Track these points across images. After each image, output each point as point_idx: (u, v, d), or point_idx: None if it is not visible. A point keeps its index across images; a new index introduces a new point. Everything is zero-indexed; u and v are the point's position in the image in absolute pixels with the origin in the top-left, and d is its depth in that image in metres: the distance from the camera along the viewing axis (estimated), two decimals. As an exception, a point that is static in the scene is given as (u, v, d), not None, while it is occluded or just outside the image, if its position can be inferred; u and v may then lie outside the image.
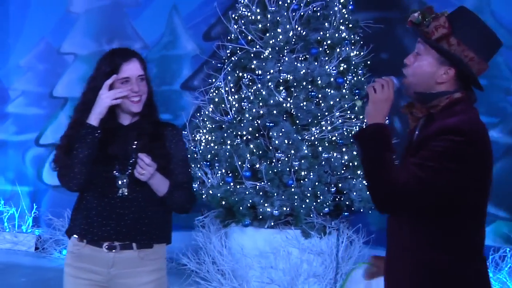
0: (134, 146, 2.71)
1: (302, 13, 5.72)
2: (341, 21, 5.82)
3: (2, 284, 6.16)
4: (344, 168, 5.59)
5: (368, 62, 6.03)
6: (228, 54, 5.97)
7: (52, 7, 7.69)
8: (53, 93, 7.78)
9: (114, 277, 2.69)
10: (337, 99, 5.64)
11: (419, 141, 2.21)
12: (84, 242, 2.70)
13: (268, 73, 5.61)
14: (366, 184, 2.25)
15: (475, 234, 2.22)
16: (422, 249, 2.20)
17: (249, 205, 5.43)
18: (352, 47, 5.94)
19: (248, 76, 5.77)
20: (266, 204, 5.40)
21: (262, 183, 5.44)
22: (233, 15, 6.00)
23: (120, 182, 2.67)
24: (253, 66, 5.71)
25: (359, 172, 5.61)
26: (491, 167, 2.23)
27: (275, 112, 5.53)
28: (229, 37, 6.01)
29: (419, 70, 2.28)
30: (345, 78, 5.75)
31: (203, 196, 5.62)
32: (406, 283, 2.24)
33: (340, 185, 5.59)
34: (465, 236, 2.20)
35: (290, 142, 5.43)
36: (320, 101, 5.64)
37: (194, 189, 5.68)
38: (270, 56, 5.66)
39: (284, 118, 5.58)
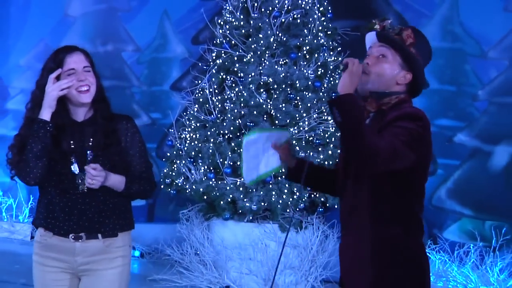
0: (91, 143, 2.66)
1: (283, 20, 5.77)
2: (320, 28, 5.87)
3: (1, 269, 6.16)
4: (320, 167, 5.64)
5: (345, 67, 6.10)
6: (214, 57, 6.00)
7: (50, 10, 7.71)
8: (50, 91, 7.75)
9: (80, 264, 2.67)
10: (314, 101, 5.69)
11: (379, 127, 2.31)
12: (51, 233, 2.67)
13: (249, 76, 5.66)
14: (346, 147, 2.30)
15: (420, 211, 2.39)
16: (379, 226, 2.34)
17: (229, 200, 5.47)
18: (331, 53, 6.00)
19: (231, 78, 5.81)
20: (245, 199, 5.43)
21: (242, 179, 5.47)
22: (219, 21, 6.04)
23: (79, 180, 2.62)
24: (236, 69, 5.76)
25: (333, 170, 5.67)
26: (430, 151, 2.40)
27: (255, 112, 5.58)
28: (214, 42, 6.05)
29: (383, 71, 2.39)
30: (322, 82, 5.80)
31: (187, 191, 5.66)
32: (367, 259, 2.35)
33: (315, 182, 5.64)
34: (414, 213, 2.37)
35: (268, 141, 5.47)
36: (298, 103, 5.69)
37: (179, 184, 5.76)
38: (252, 60, 5.71)
39: (264, 118, 5.62)
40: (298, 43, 5.78)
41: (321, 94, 5.77)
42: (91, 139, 2.67)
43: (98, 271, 2.68)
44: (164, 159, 6.30)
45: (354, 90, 2.31)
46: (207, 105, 5.83)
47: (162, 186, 5.83)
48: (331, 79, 5.93)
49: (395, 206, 2.34)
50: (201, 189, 5.53)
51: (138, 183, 2.72)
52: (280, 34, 5.78)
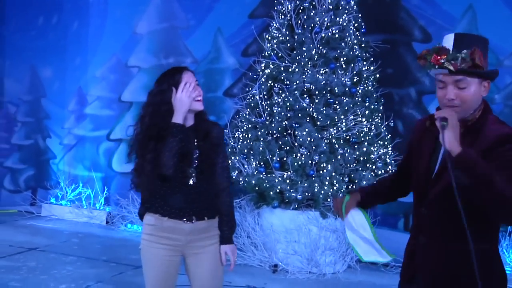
0: (195, 143, 2.77)
1: (323, 35, 5.68)
2: (355, 41, 5.77)
3: (84, 248, 6.22)
4: (356, 162, 5.55)
5: (377, 76, 5.98)
6: (262, 68, 5.95)
7: (121, 29, 7.72)
8: (121, 98, 7.81)
9: (189, 242, 2.77)
10: (351, 105, 5.59)
11: (479, 152, 2.01)
12: (166, 217, 2.76)
13: (294, 83, 5.60)
14: (484, 202, 1.97)
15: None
16: (477, 238, 1.99)
17: (277, 190, 5.42)
18: (364, 63, 5.89)
19: (278, 86, 5.75)
20: (291, 190, 5.38)
21: (289, 173, 5.42)
22: (267, 36, 5.99)
23: (189, 174, 2.74)
24: (282, 78, 5.69)
25: (367, 165, 5.56)
26: None
27: (299, 115, 5.51)
28: (263, 54, 6.00)
29: (470, 99, 2.09)
30: (357, 88, 5.70)
31: (240, 183, 5.62)
32: (463, 272, 2.09)
33: (352, 175, 5.55)
34: (495, 225, 2.15)
35: (311, 140, 5.41)
36: (337, 107, 5.60)
37: (233, 177, 5.71)
38: (296, 70, 5.64)
39: (307, 120, 5.56)
40: (336, 55, 5.68)
41: (356, 98, 5.67)
42: (195, 140, 2.78)
43: (202, 247, 2.80)
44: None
45: (459, 141, 1.99)
46: (257, 109, 5.79)
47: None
48: (365, 85, 5.82)
49: (489, 222, 2.08)
50: (253, 181, 5.49)
51: (226, 194, 2.87)
52: (320, 47, 5.68)
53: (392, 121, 6.03)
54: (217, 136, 2.82)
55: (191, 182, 2.74)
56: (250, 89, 5.99)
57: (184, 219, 2.76)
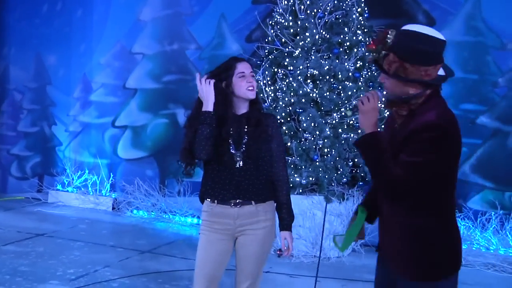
0: (246, 130, 2.92)
1: (326, 20, 5.69)
2: (358, 26, 5.78)
3: (91, 234, 6.31)
4: (359, 146, 5.58)
5: (381, 60, 6.00)
6: (266, 53, 5.97)
7: (125, 16, 7.74)
8: (125, 85, 7.82)
9: (238, 226, 2.91)
10: (354, 90, 5.61)
11: (405, 136, 2.19)
12: (215, 202, 2.91)
13: (298, 69, 5.62)
14: (374, 180, 2.27)
15: (452, 200, 2.28)
16: (411, 214, 2.23)
17: (282, 175, 5.46)
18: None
19: (282, 71, 5.78)
20: (296, 175, 5.43)
21: (293, 157, 5.47)
22: (270, 22, 5.99)
23: (237, 157, 2.88)
24: (286, 63, 5.71)
25: (371, 149, 5.61)
26: (461, 149, 2.25)
27: (303, 100, 5.54)
28: (266, 40, 6.02)
29: (392, 89, 2.26)
30: (361, 73, 5.72)
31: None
32: (402, 244, 2.27)
33: (356, 160, 5.59)
34: (447, 201, 2.26)
35: (315, 125, 5.45)
36: (341, 92, 5.62)
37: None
38: (300, 55, 5.66)
39: (311, 105, 5.59)
40: (339, 40, 5.70)
41: (360, 83, 5.69)
42: (246, 127, 2.92)
43: (251, 231, 2.92)
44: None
45: (374, 124, 2.24)
46: (261, 95, 5.80)
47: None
48: (369, 70, 5.84)
49: (429, 197, 2.21)
50: (257, 167, 5.52)
51: (288, 192, 3.06)
52: (324, 32, 5.70)
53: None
54: (269, 126, 2.96)
55: (237, 165, 2.88)
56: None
57: (232, 204, 2.90)
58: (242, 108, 2.94)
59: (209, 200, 2.94)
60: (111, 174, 7.88)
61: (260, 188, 2.91)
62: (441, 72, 2.26)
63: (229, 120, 2.88)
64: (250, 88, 2.89)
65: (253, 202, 2.89)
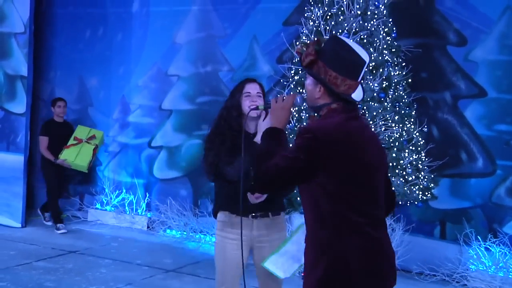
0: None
1: (351, 41, 5.70)
2: (385, 46, 5.77)
3: (121, 252, 6.50)
4: (384, 168, 5.53)
5: (410, 80, 5.97)
6: (292, 74, 6.05)
7: (162, 39, 7.98)
8: (161, 106, 8.04)
9: (256, 236, 3.16)
10: (380, 111, 5.60)
11: None
12: (235, 214, 3.12)
13: (322, 90, 5.65)
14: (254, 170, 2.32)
15: (356, 215, 2.21)
16: (312, 226, 2.28)
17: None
18: (396, 68, 5.87)
19: (306, 92, 5.82)
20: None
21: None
22: (297, 43, 6.08)
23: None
24: (310, 84, 5.76)
25: (396, 171, 5.55)
26: (348, 159, 2.22)
27: (327, 121, 5.55)
28: (294, 61, 6.10)
29: (307, 88, 2.38)
30: (386, 93, 5.69)
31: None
32: (307, 255, 2.32)
33: (381, 181, 5.54)
34: (342, 216, 2.21)
35: (338, 146, 5.44)
36: (365, 112, 5.60)
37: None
38: (324, 76, 5.68)
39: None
40: (364, 60, 5.69)
41: (385, 104, 5.66)
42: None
43: (268, 241, 3.16)
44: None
45: (280, 121, 2.36)
46: (286, 116, 5.85)
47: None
48: (395, 90, 5.81)
49: (325, 211, 2.22)
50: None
51: None
52: (348, 53, 5.70)
53: (426, 126, 5.98)
54: None
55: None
56: (281, 96, 6.07)
57: (250, 216, 3.13)
58: (251, 126, 3.20)
59: (228, 212, 3.16)
60: (146, 193, 8.08)
61: (276, 201, 3.19)
62: (358, 96, 2.31)
63: (245, 138, 3.01)
64: (252, 106, 3.03)
65: (270, 215, 3.17)
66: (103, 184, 8.40)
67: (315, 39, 2.42)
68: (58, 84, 8.92)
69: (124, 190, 8.26)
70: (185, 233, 7.43)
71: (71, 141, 7.51)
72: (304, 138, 2.21)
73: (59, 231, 7.35)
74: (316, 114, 2.39)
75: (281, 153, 2.23)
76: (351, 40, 2.36)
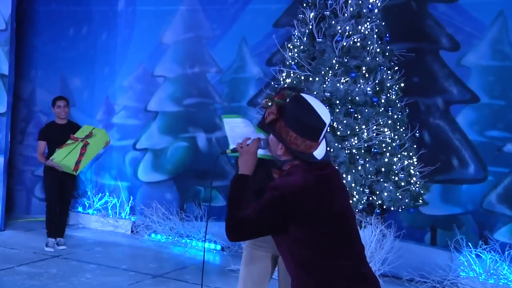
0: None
1: (344, 44, 5.70)
2: (378, 50, 5.78)
3: (106, 256, 6.39)
4: (377, 173, 5.53)
5: (402, 85, 5.98)
6: (283, 77, 6.01)
7: (148, 39, 7.88)
8: (147, 108, 7.94)
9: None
10: (372, 115, 5.60)
11: None
12: None
13: (314, 93, 5.61)
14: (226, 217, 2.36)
15: (337, 259, 2.27)
16: (297, 272, 2.33)
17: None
18: (388, 72, 5.89)
19: (299, 95, 5.79)
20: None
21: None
22: (288, 45, 6.05)
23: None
24: (302, 87, 5.70)
25: (389, 176, 5.54)
26: (316, 210, 2.27)
27: (319, 125, 5.52)
28: (284, 63, 6.07)
29: (270, 142, 2.43)
30: (379, 98, 5.70)
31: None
32: None
33: (373, 186, 5.54)
34: (324, 262, 2.27)
35: (331, 150, 5.43)
36: (358, 116, 5.61)
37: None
38: (317, 79, 5.68)
39: (327, 130, 5.57)
40: (357, 64, 5.70)
41: (378, 108, 5.67)
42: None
43: None
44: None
45: (247, 167, 2.41)
46: (277, 119, 5.81)
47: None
48: (388, 95, 5.82)
49: (305, 260, 2.29)
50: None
51: None
52: (341, 56, 5.70)
53: (417, 131, 5.99)
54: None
55: None
56: (272, 98, 6.04)
57: None
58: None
59: None
60: (131, 197, 7.97)
61: None
62: (320, 154, 2.34)
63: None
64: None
65: None
66: (85, 187, 8.26)
67: (281, 92, 2.42)
68: (39, 84, 8.74)
69: (107, 193, 8.13)
70: (170, 237, 7.34)
71: (68, 141, 6.55)
72: (272, 195, 2.26)
73: (46, 247, 6.55)
74: (280, 168, 2.42)
75: (254, 205, 2.28)
76: (314, 99, 2.38)
